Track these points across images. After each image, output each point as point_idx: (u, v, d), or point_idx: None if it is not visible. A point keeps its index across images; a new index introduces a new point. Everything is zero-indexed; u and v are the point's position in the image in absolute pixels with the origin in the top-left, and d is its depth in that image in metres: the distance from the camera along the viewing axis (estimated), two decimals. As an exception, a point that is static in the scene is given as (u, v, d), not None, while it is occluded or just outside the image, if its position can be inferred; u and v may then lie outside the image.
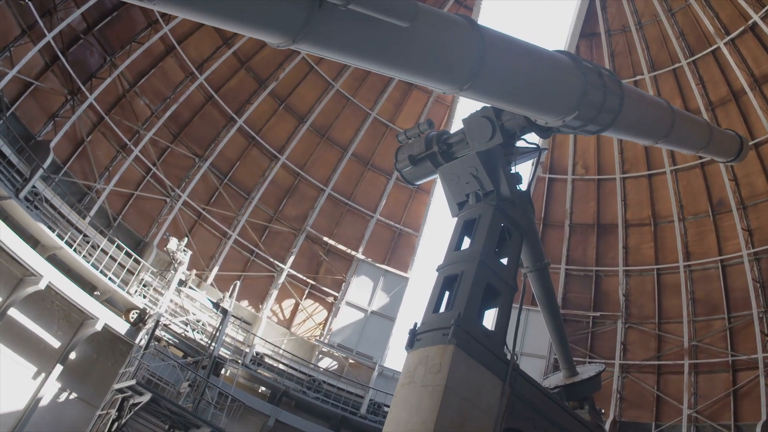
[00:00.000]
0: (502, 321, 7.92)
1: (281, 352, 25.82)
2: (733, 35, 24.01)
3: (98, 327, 19.46)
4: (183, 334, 21.95)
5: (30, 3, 19.01)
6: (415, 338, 7.46)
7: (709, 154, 11.97)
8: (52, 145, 20.78)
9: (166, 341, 21.21)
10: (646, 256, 27.16)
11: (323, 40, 6.28)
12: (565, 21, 62.04)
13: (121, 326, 20.15)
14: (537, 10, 68.87)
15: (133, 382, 17.46)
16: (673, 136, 10.42)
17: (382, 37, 6.41)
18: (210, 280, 25.74)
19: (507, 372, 7.41)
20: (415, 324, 7.70)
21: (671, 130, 10.21)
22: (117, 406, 17.69)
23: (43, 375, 19.15)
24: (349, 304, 28.43)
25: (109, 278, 20.38)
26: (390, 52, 6.71)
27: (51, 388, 19.32)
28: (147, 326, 20.31)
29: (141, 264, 21.99)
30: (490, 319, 8.06)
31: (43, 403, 19.07)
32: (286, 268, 27.60)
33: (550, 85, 8.35)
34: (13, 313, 18.55)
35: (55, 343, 19.54)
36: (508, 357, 7.60)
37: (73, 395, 19.98)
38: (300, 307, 27.99)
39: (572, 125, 8.72)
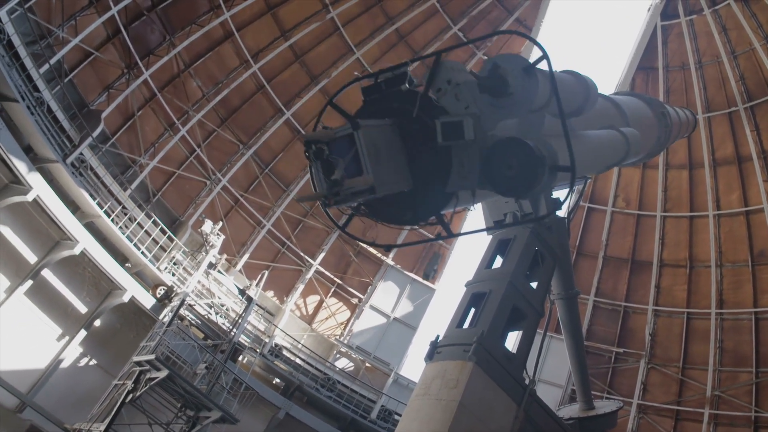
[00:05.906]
0: (525, 345, 7.84)
1: (300, 346, 25.89)
2: (795, 85, 23.57)
3: (125, 298, 19.80)
4: (206, 317, 22.13)
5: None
6: (435, 350, 7.42)
7: (679, 138, 13.28)
8: (103, 115, 21.23)
9: (189, 321, 21.41)
10: (678, 298, 26.65)
11: None
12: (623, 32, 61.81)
13: (147, 300, 20.45)
14: (599, 22, 68.44)
15: (152, 356, 17.64)
16: (672, 140, 11.71)
17: None
18: (239, 266, 25.95)
19: (523, 396, 7.33)
20: (437, 336, 7.66)
21: (676, 138, 11.65)
22: (134, 378, 17.88)
23: (67, 338, 19.51)
24: (372, 307, 28.40)
25: (142, 252, 20.67)
26: None
27: (73, 351, 19.66)
28: (172, 304, 20.54)
29: (174, 242, 22.28)
30: (512, 341, 7.98)
31: (64, 365, 19.42)
32: (315, 264, 27.70)
33: (644, 141, 9.49)
34: (46, 274, 18.94)
35: (82, 309, 19.90)
36: (527, 382, 7.51)
37: (93, 361, 20.31)
38: (324, 304, 28.06)
39: (636, 159, 9.69)
